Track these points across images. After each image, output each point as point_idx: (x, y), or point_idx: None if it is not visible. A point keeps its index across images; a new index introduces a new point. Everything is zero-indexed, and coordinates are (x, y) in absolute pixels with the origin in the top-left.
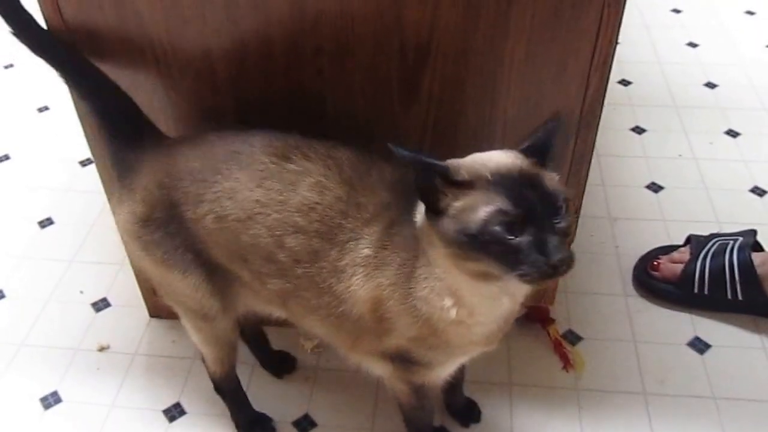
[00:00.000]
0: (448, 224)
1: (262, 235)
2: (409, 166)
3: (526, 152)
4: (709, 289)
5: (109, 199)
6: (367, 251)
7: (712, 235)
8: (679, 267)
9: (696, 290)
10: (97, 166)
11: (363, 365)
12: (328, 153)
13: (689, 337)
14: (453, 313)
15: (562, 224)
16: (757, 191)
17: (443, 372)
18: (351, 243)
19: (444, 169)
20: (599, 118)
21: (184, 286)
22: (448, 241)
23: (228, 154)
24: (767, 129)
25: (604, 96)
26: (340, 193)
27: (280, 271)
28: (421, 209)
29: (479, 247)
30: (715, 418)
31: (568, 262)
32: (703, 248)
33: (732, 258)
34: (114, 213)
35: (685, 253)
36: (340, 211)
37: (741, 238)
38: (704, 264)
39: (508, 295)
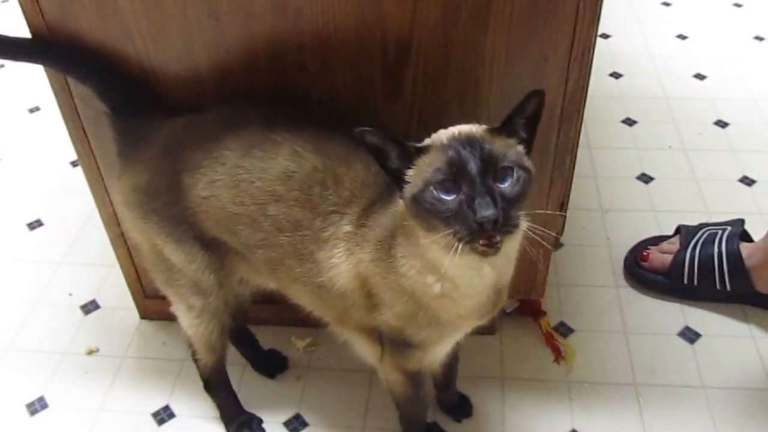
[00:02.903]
0: (405, 192)
1: (246, 203)
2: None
3: (501, 125)
4: (698, 279)
5: (95, 197)
6: (348, 227)
7: (701, 225)
8: (669, 257)
9: (685, 280)
10: (83, 165)
11: (354, 345)
12: (308, 127)
13: (679, 327)
14: (437, 287)
15: (505, 188)
16: (746, 181)
17: (438, 353)
18: (334, 216)
19: (401, 141)
20: (581, 110)
21: (177, 258)
22: (409, 211)
23: (227, 126)
24: (756, 119)
25: (585, 88)
26: (317, 163)
27: (265, 240)
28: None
29: (426, 209)
30: (705, 406)
31: (497, 222)
32: (692, 238)
33: (720, 248)
34: (113, 188)
35: (674, 244)
36: (318, 181)
37: (729, 228)
38: (693, 254)
39: (489, 264)
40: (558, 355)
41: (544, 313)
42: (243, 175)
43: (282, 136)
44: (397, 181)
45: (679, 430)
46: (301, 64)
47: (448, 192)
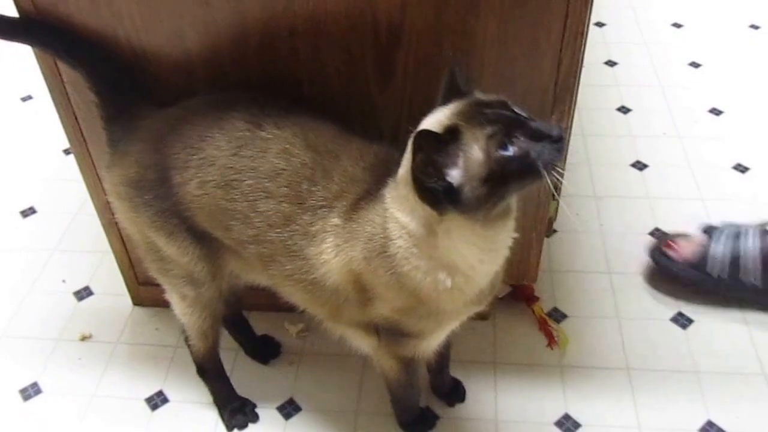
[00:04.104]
0: (467, 191)
1: (238, 200)
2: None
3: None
4: (729, 273)
5: (86, 186)
6: (336, 220)
7: (728, 223)
8: (697, 248)
9: (715, 273)
10: (75, 152)
11: (349, 339)
12: (297, 120)
13: (672, 312)
14: (448, 283)
15: (526, 115)
16: (740, 168)
17: (434, 341)
18: (323, 210)
19: (433, 133)
20: (574, 94)
21: (170, 250)
22: (474, 207)
23: (213, 121)
24: (750, 107)
25: (577, 72)
26: (306, 159)
27: (256, 236)
28: (399, 205)
29: (499, 183)
30: (697, 391)
31: (562, 131)
32: (722, 233)
33: (753, 243)
34: (104, 179)
35: (701, 238)
36: (307, 177)
37: (759, 226)
38: (723, 246)
39: (512, 232)
40: (551, 340)
41: (537, 299)
42: (233, 175)
43: (271, 132)
44: (444, 190)
45: (672, 415)
46: (292, 48)
47: (510, 146)
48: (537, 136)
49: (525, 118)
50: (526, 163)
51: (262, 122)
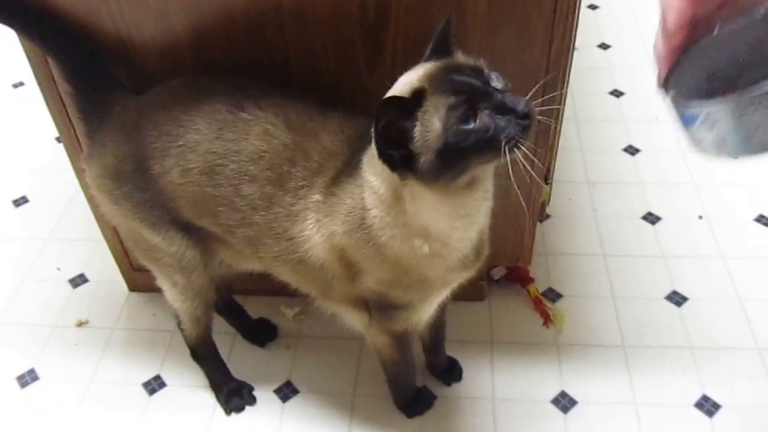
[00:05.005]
0: (423, 161)
1: (223, 185)
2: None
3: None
4: None
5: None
6: (317, 197)
7: None
8: None
9: None
10: (64, 140)
11: (341, 316)
12: (278, 101)
13: (667, 291)
14: (426, 249)
15: (501, 85)
16: None
17: (424, 313)
18: (303, 190)
19: (398, 98)
20: (566, 73)
21: (155, 240)
22: (431, 177)
23: (191, 106)
24: None
25: (569, 50)
26: (287, 141)
27: (242, 220)
28: (371, 168)
29: (456, 157)
30: (692, 366)
31: (531, 107)
32: None
33: None
34: (84, 170)
35: None
36: (288, 159)
37: None
38: None
39: (480, 208)
40: (547, 319)
41: (532, 280)
42: (217, 160)
43: (252, 113)
44: (401, 156)
45: (668, 390)
46: (279, 26)
47: (471, 119)
48: (503, 109)
49: (494, 89)
50: (486, 138)
51: (243, 103)
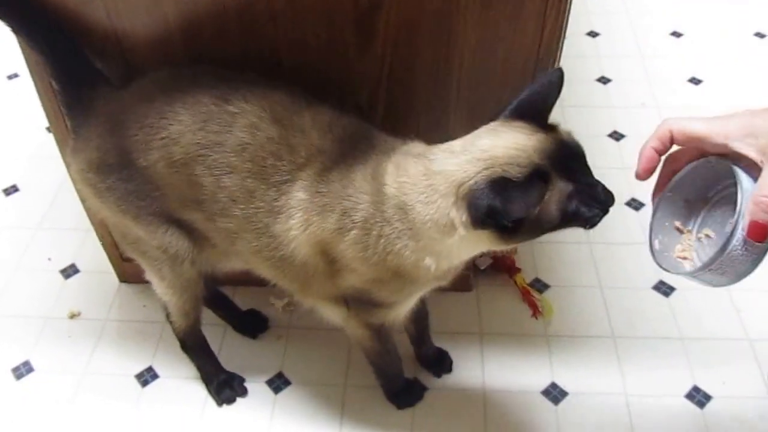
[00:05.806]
0: (521, 232)
1: (204, 176)
2: None
3: (523, 112)
4: None
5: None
6: (302, 194)
7: None
8: None
9: None
10: (53, 129)
11: (319, 311)
12: (265, 94)
13: (654, 281)
14: (433, 267)
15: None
16: None
17: (402, 310)
18: (286, 185)
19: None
20: (557, 59)
21: (140, 232)
22: (510, 237)
23: (175, 97)
24: (729, 76)
25: (561, 36)
26: (272, 134)
27: (222, 211)
28: (414, 193)
29: (552, 230)
30: (683, 357)
31: (614, 200)
32: None
33: None
34: (68, 164)
35: None
36: (272, 152)
37: None
38: None
39: None
40: (535, 310)
41: (519, 270)
42: (199, 150)
43: (239, 106)
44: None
45: (658, 381)
46: (271, 13)
47: (579, 210)
48: (598, 201)
49: (595, 181)
50: (579, 222)
51: (229, 96)
